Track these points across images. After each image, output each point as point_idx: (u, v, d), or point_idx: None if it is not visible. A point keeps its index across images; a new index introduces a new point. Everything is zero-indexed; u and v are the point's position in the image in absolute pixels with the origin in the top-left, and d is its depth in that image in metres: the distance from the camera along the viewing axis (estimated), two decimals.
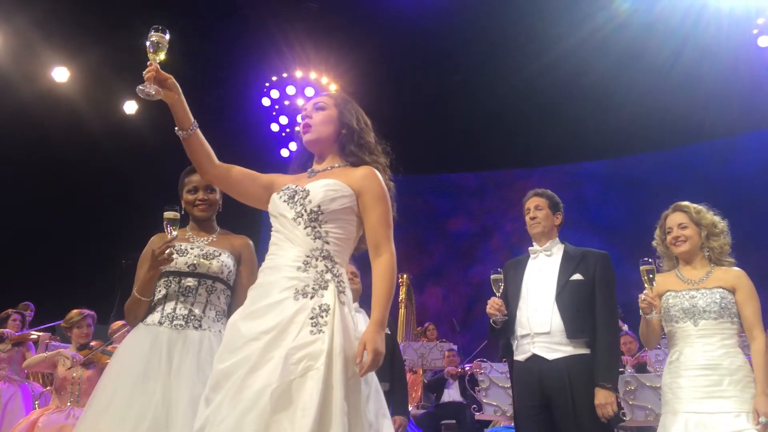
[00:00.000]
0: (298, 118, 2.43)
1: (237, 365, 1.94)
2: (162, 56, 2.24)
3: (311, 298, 2.04)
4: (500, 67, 10.41)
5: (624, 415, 3.94)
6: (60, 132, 9.07)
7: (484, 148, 11.72)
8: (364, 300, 2.24)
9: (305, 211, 2.15)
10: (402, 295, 8.03)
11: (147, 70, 2.19)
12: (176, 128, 2.32)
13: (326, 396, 1.87)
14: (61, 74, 9.46)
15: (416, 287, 9.61)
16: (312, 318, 1.99)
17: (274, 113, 12.18)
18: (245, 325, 2.02)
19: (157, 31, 2.23)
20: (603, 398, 3.02)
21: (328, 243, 2.15)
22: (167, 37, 2.25)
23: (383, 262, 2.17)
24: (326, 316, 2.00)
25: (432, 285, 12.12)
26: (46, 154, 9.06)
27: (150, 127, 9.86)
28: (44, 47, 9.10)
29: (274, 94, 12.17)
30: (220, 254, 2.84)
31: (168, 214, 2.71)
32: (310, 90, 11.59)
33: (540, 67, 9.88)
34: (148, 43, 2.22)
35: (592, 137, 10.76)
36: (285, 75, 11.99)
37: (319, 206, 2.15)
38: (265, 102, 12.16)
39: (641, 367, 5.87)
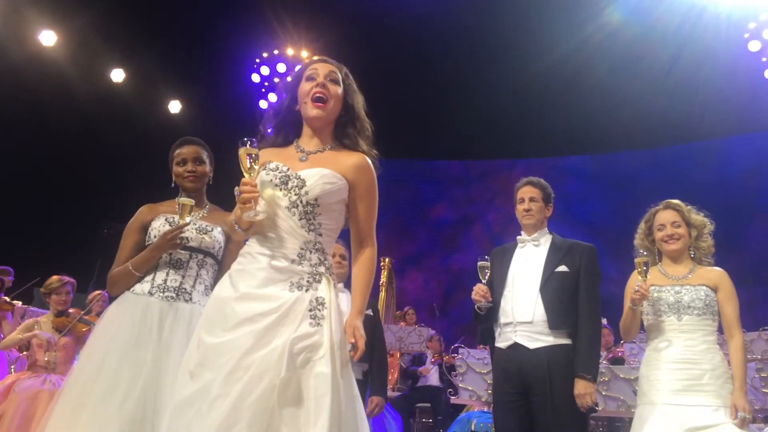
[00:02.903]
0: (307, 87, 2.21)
1: (231, 344, 1.91)
2: (257, 170, 2.09)
3: (306, 290, 2.03)
4: (492, 59, 10.44)
5: (597, 405, 4.01)
6: (46, 96, 8.91)
7: (470, 137, 11.74)
8: (348, 282, 2.25)
9: (300, 202, 2.10)
10: (383, 279, 8.03)
11: (249, 192, 2.01)
12: (239, 226, 2.11)
13: (332, 387, 1.89)
14: (48, 38, 9.28)
15: (397, 272, 9.62)
16: (311, 311, 2.00)
17: (263, 90, 12.06)
18: (240, 305, 1.98)
19: (244, 144, 2.06)
20: (582, 388, 3.08)
21: (320, 235, 2.12)
22: (256, 148, 2.09)
23: (368, 255, 2.20)
24: (323, 309, 2.01)
25: (413, 270, 12.18)
26: (30, 118, 8.90)
27: (136, 97, 9.74)
28: (31, 9, 8.92)
29: (264, 70, 12.05)
30: (212, 229, 2.86)
31: (184, 200, 2.76)
32: None
33: (533, 66, 9.96)
34: (242, 165, 2.06)
35: (579, 133, 10.86)
36: (276, 52, 11.88)
37: (316, 199, 2.10)
38: (255, 78, 12.05)
39: (618, 362, 5.95)
